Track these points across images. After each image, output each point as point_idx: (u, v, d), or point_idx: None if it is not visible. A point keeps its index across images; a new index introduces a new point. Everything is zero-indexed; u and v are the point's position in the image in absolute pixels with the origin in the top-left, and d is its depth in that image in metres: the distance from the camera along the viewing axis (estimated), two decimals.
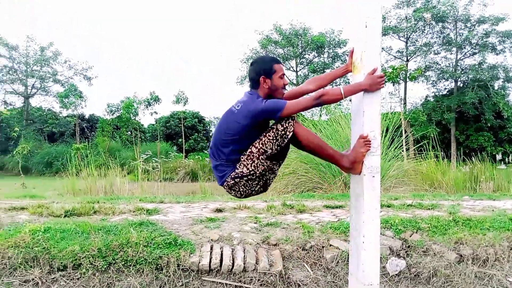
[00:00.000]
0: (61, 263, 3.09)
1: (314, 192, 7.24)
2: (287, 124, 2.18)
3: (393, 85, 22.18)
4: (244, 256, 3.25)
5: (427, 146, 9.91)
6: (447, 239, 3.42)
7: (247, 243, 3.45)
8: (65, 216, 4.19)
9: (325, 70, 26.34)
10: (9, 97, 28.54)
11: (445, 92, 26.55)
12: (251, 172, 2.23)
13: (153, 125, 29.35)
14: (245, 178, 2.25)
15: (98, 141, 24.03)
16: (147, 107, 23.18)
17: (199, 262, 3.15)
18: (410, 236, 3.56)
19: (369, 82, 2.20)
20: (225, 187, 2.36)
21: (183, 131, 25.41)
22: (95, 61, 53.35)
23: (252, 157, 2.21)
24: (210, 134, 30.48)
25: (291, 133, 2.17)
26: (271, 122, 2.33)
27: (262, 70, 2.32)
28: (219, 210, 4.64)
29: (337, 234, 3.65)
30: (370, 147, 2.25)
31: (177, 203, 5.39)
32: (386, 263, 3.30)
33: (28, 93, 28.29)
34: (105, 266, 3.08)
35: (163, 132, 27.65)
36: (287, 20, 26.47)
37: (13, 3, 42.78)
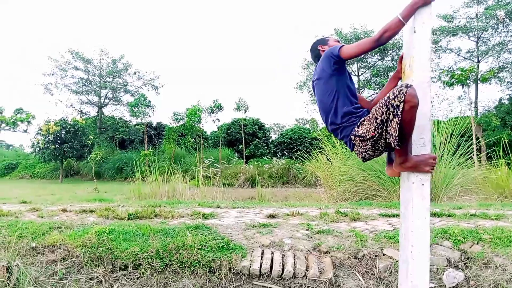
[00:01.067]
0: (123, 262, 3.33)
1: (373, 200, 7.07)
2: (397, 92, 2.06)
3: (462, 87, 21.00)
4: (294, 262, 3.27)
5: (501, 152, 9.25)
6: (511, 252, 3.20)
7: (297, 250, 3.47)
8: (128, 219, 4.48)
9: (388, 74, 25.54)
10: (84, 107, 30.95)
11: None
12: (363, 135, 2.29)
13: (216, 132, 30.15)
14: (359, 139, 2.32)
15: (164, 148, 25.14)
16: (210, 114, 23.92)
17: (250, 266, 3.23)
18: (470, 248, 3.38)
19: None
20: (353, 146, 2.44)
21: (243, 137, 25.86)
22: (162, 70, 56.04)
23: (367, 120, 2.28)
24: (270, 140, 30.70)
25: (402, 103, 2.02)
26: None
27: (317, 44, 2.80)
28: (272, 216, 4.70)
29: (391, 243, 3.56)
30: (433, 170, 2.23)
31: (232, 208, 5.53)
32: (443, 274, 3.16)
33: (102, 103, 30.36)
34: (162, 267, 3.26)
35: (225, 139, 28.30)
36: (348, 23, 25.98)
37: (87, 18, 46.15)
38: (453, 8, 23.96)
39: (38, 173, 25.42)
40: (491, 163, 9.34)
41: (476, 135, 18.92)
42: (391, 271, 3.27)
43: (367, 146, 2.30)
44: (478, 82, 23.38)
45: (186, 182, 10.94)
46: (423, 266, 2.19)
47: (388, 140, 2.16)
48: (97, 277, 3.26)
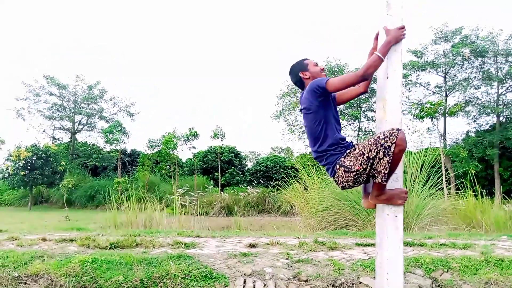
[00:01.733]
0: None
1: (348, 229, 7.27)
2: (389, 134, 2.32)
3: (431, 120, 21.91)
4: None
5: (469, 183, 9.71)
6: (478, 279, 3.43)
7: (278, 278, 3.60)
8: (110, 248, 4.50)
9: (360, 106, 26.43)
10: (57, 133, 30.45)
11: (487, 127, 25.77)
12: (348, 167, 2.47)
13: (191, 159, 30.09)
14: (343, 169, 2.50)
15: (138, 175, 24.88)
16: (186, 142, 23.96)
17: None
18: (441, 275, 3.59)
19: (393, 35, 2.50)
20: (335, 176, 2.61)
21: (219, 165, 25.93)
22: (137, 97, 55.80)
23: (353, 154, 2.47)
24: (246, 168, 30.83)
25: (393, 145, 2.28)
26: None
27: (298, 69, 2.86)
28: (252, 246, 4.81)
29: (367, 272, 3.73)
30: (404, 202, 2.46)
31: (212, 238, 5.61)
32: None
33: (75, 129, 29.97)
34: None
35: (201, 166, 28.27)
36: (323, 57, 26.87)
37: (62, 43, 45.93)
38: (422, 45, 25.29)
39: (6, 200, 24.61)
40: (459, 194, 9.77)
41: (445, 166, 19.66)
42: None
43: (349, 177, 2.50)
44: (446, 115, 24.48)
45: (162, 210, 10.91)
46: None
47: (375, 175, 2.38)
48: None
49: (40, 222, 12.68)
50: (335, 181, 2.63)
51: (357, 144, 2.52)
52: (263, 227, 11.00)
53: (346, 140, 2.67)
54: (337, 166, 2.55)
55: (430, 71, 25.69)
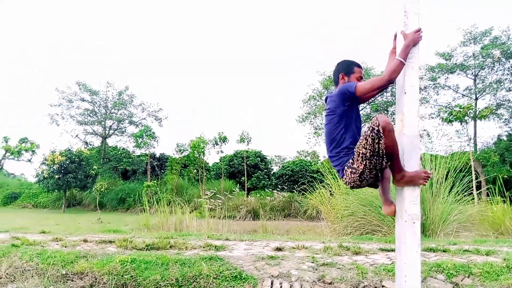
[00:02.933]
0: None
1: (373, 235, 7.37)
2: (371, 124, 2.55)
3: (461, 124, 21.55)
4: None
5: (499, 189, 9.61)
6: (498, 285, 3.53)
7: (304, 280, 3.80)
8: (146, 249, 4.82)
9: (387, 109, 26.21)
10: (89, 138, 31.57)
11: None
12: (355, 168, 2.68)
13: (218, 163, 30.54)
14: (350, 170, 2.72)
15: (167, 179, 25.46)
16: (214, 146, 24.45)
17: None
18: (462, 281, 3.71)
19: (411, 38, 2.68)
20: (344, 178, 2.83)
21: (245, 169, 26.26)
22: (166, 102, 56.87)
23: (355, 157, 2.67)
24: (272, 173, 31.02)
25: (380, 128, 2.48)
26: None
27: (343, 69, 2.97)
28: (279, 249, 5.03)
29: (389, 276, 3.88)
30: (426, 182, 2.63)
31: (241, 241, 5.86)
32: None
33: (106, 133, 30.97)
34: None
35: (227, 170, 28.66)
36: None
37: (62, 44, 47.16)
38: (450, 47, 24.90)
39: (41, 202, 25.62)
40: (488, 199, 9.68)
41: (475, 171, 19.28)
42: None
43: (355, 177, 2.71)
44: (476, 119, 23.98)
45: (191, 213, 11.26)
46: None
47: (384, 163, 2.58)
48: None
49: (74, 224, 13.27)
50: (344, 181, 2.84)
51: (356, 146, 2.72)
52: (289, 231, 11.18)
53: None
54: (346, 167, 2.76)
55: (459, 74, 25.23)
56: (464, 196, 8.39)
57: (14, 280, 3.74)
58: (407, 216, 2.62)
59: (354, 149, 2.70)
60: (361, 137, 2.62)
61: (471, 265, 4.03)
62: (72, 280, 3.79)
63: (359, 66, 3.00)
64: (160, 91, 51.59)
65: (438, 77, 25.39)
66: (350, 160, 2.73)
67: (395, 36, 2.90)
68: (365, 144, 2.56)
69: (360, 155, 2.61)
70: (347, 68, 2.98)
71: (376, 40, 26.59)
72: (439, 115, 24.68)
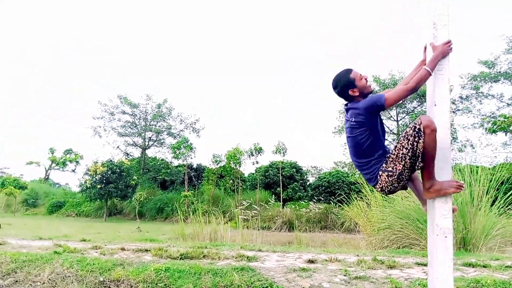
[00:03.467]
0: None
1: (411, 248, 7.17)
2: (413, 124, 2.55)
3: (505, 134, 20.64)
4: None
5: None
6: None
7: None
8: (180, 258, 4.94)
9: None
10: (129, 149, 32.65)
11: None
12: (391, 170, 2.66)
13: (253, 174, 30.67)
14: (386, 174, 2.69)
15: (204, 189, 25.85)
16: (249, 157, 24.65)
17: None
18: None
19: (440, 50, 2.66)
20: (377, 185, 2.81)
21: (281, 180, 26.22)
22: (202, 113, 57.88)
23: (391, 159, 2.66)
24: (308, 184, 30.77)
25: (421, 127, 2.47)
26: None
27: (346, 87, 2.87)
28: (311, 261, 5.00)
29: None
30: (459, 191, 2.59)
31: (273, 252, 5.87)
32: None
33: (146, 145, 31.89)
34: None
35: (262, 181, 28.70)
36: (387, 70, 26.42)
37: (62, 43, 48.30)
38: (493, 55, 23.98)
39: (84, 211, 26.65)
40: None
41: None
42: None
43: (393, 180, 2.67)
44: None
45: (226, 223, 11.38)
46: None
47: (418, 165, 2.55)
48: None
49: (115, 232, 13.72)
50: (379, 188, 2.78)
51: (393, 149, 2.68)
52: (325, 243, 11.06)
53: (387, 148, 2.83)
54: (380, 173, 2.72)
55: (503, 82, 24.21)
56: (509, 209, 8.01)
57: (55, 286, 3.93)
58: (439, 230, 2.56)
59: (392, 151, 2.66)
60: (401, 137, 2.61)
61: None
62: (109, 287, 3.94)
63: (350, 70, 2.89)
64: (160, 90, 52.03)
65: (481, 86, 24.47)
66: (384, 165, 2.70)
67: (425, 48, 2.86)
68: (407, 143, 2.54)
69: (400, 155, 2.58)
70: (347, 83, 2.86)
71: (376, 40, 26.04)
72: (482, 125, 23.73)
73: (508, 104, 24.68)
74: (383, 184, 2.73)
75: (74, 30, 50.33)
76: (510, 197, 8.00)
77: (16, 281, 4.22)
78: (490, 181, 7.77)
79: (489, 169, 8.23)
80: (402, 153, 2.57)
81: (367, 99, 2.80)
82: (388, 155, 2.70)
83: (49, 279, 4.06)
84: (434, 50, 2.69)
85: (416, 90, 2.62)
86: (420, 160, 2.54)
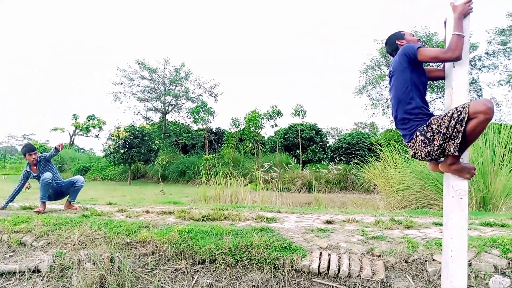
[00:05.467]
0: (201, 257, 3.93)
1: (430, 208, 7.21)
2: (461, 108, 2.50)
3: None
4: (349, 264, 3.69)
5: None
6: None
7: (352, 253, 3.88)
8: (202, 220, 5.13)
9: None
10: (150, 114, 33.04)
11: None
12: (429, 138, 2.66)
13: (273, 137, 30.80)
14: (422, 138, 2.70)
15: (224, 153, 26.20)
16: (268, 120, 24.65)
17: (310, 266, 3.70)
18: None
19: (460, 10, 2.60)
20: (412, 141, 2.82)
21: (300, 142, 26.28)
22: (221, 77, 57.74)
23: (431, 129, 2.65)
24: (327, 145, 30.77)
25: (467, 115, 2.44)
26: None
27: (395, 38, 3.07)
28: (329, 222, 5.12)
29: (441, 250, 3.84)
30: (471, 177, 2.61)
31: (292, 214, 6.01)
32: (489, 280, 3.42)
33: (166, 109, 32.17)
34: (234, 263, 3.83)
35: (282, 144, 28.84)
36: (409, 26, 25.51)
37: (94, 51, 48.41)
38: None
39: (109, 175, 27.48)
40: None
41: None
42: (440, 275, 3.58)
43: (425, 149, 2.68)
44: None
45: (246, 185, 11.61)
46: (461, 268, 2.55)
47: (448, 148, 2.54)
48: (180, 268, 3.90)
49: (139, 195, 14.18)
50: (410, 146, 2.79)
51: (436, 117, 2.64)
52: (344, 204, 11.19)
53: (429, 109, 2.81)
54: (418, 133, 2.71)
55: None
56: None
57: (85, 247, 4.17)
58: (454, 192, 2.59)
59: (433, 123, 2.63)
60: (444, 115, 2.56)
61: None
62: (136, 248, 4.16)
63: (403, 31, 3.09)
64: (216, 65, 52.09)
65: (509, 40, 23.40)
66: (424, 127, 2.67)
67: (445, 23, 2.79)
68: (448, 125, 2.51)
69: (439, 133, 2.56)
70: (398, 35, 3.06)
71: (376, 40, 25.16)
72: (509, 81, 22.92)
73: None
74: (416, 146, 2.73)
75: (74, 30, 50.42)
76: None
77: (49, 243, 4.49)
78: None
79: (505, 128, 8.02)
80: (443, 133, 2.54)
81: (404, 46, 2.84)
82: (430, 120, 2.67)
83: (79, 241, 4.30)
84: (454, 11, 2.61)
85: (457, 58, 2.56)
86: (459, 145, 2.50)
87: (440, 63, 2.86)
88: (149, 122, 32.00)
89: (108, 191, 16.89)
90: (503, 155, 7.34)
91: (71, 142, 39.43)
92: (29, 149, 6.26)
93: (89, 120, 38.84)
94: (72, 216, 5.31)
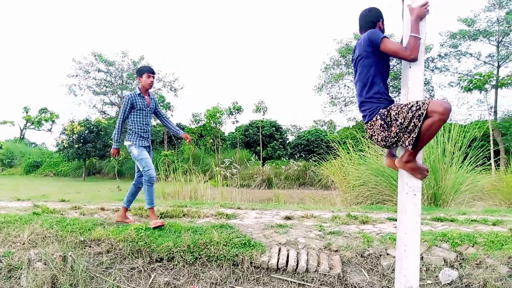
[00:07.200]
0: (159, 255, 3.86)
1: (384, 204, 7.45)
2: (421, 103, 2.51)
3: (480, 92, 21.02)
4: (307, 259, 3.75)
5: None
6: (502, 254, 3.60)
7: (310, 248, 3.94)
8: (160, 217, 5.02)
9: None
10: (106, 108, 31.94)
11: None
12: (388, 123, 2.67)
13: (233, 133, 30.72)
14: (381, 122, 2.71)
15: (184, 149, 25.84)
16: (229, 116, 24.55)
17: (269, 261, 3.72)
18: (466, 250, 3.79)
19: (417, 13, 2.65)
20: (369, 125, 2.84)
21: (260, 139, 26.40)
22: (181, 71, 56.94)
23: (392, 115, 2.66)
24: (287, 142, 31.09)
25: (425, 111, 2.47)
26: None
27: (381, 18, 3.01)
28: (288, 218, 5.17)
29: (395, 244, 3.97)
30: (423, 178, 2.69)
31: (252, 210, 6.02)
32: (439, 273, 3.58)
33: None
34: (193, 260, 3.78)
35: (242, 140, 28.82)
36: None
37: (110, 20, 47.04)
38: (473, 12, 23.97)
39: (62, 171, 26.39)
40: (500, 169, 9.59)
41: (494, 140, 18.96)
42: (393, 269, 3.70)
43: (381, 134, 2.72)
44: (498, 87, 23.31)
45: (206, 182, 11.51)
46: (414, 262, 2.64)
47: (404, 141, 2.59)
48: (137, 267, 3.80)
49: (95, 192, 13.73)
50: (368, 127, 2.83)
51: (397, 104, 2.69)
52: (302, 200, 11.36)
53: (390, 97, 2.85)
54: (378, 116, 2.74)
55: (481, 40, 24.36)
56: (479, 166, 8.33)
57: (36, 246, 3.97)
58: (408, 188, 2.68)
59: (392, 109, 2.66)
60: (405, 104, 2.60)
61: (477, 234, 4.09)
62: (90, 247, 4.01)
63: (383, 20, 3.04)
64: (176, 60, 51.48)
65: (460, 44, 24.59)
66: (385, 112, 2.71)
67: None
68: (406, 115, 2.54)
69: (397, 121, 2.60)
70: (380, 15, 3.01)
71: (335, 40, 26.15)
72: (459, 83, 24.09)
73: (485, 63, 25.00)
74: (373, 128, 2.77)
75: (162, 42, 48.16)
76: (480, 154, 8.32)
77: None
78: (464, 138, 8.02)
79: (464, 126, 8.43)
80: (400, 122, 2.57)
81: (369, 31, 2.83)
82: (391, 106, 2.71)
83: (29, 240, 4.09)
84: (411, 13, 2.67)
85: (414, 59, 2.61)
86: (414, 140, 2.54)
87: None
88: (106, 116, 30.96)
89: (61, 187, 16.24)
90: (453, 153, 7.70)
91: (22, 136, 37.53)
92: (149, 69, 4.80)
93: (41, 114, 37.04)
94: (22, 214, 5.04)
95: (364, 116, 2.88)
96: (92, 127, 22.42)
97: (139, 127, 4.69)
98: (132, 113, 4.67)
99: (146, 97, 4.81)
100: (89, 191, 14.26)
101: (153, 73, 4.80)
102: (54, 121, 37.16)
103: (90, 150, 21.83)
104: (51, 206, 5.86)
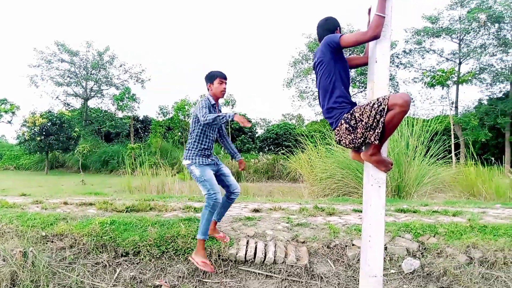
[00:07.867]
0: (124, 250, 3.78)
1: (350, 196, 7.61)
2: (382, 99, 2.57)
3: (442, 88, 21.77)
4: (275, 251, 3.77)
5: (476, 152, 9.90)
6: (461, 243, 3.75)
7: (278, 240, 3.97)
8: (126, 211, 4.93)
9: None
10: (70, 99, 30.89)
11: (500, 95, 25.48)
12: (353, 126, 2.70)
13: None
14: (346, 126, 2.74)
15: (151, 142, 25.41)
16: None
17: (237, 254, 3.72)
18: (427, 240, 3.92)
19: None
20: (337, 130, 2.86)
21: (230, 132, 26.33)
22: (149, 64, 55.87)
23: (355, 117, 2.69)
24: (256, 136, 31.19)
25: (386, 106, 2.53)
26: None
27: (338, 26, 3.10)
28: (256, 211, 5.19)
29: (360, 235, 4.07)
30: (387, 171, 2.75)
31: None
32: (402, 262, 3.70)
33: (87, 95, 30.31)
34: (159, 254, 3.73)
35: None
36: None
37: (73, 9, 45.42)
38: (437, 10, 24.73)
39: (23, 164, 25.45)
40: (460, 162, 10.00)
41: (455, 134, 19.70)
42: (359, 259, 3.79)
43: (349, 136, 2.75)
44: (459, 83, 24.20)
45: (174, 175, 11.38)
46: (379, 252, 2.71)
47: (369, 137, 2.63)
48: (102, 262, 3.71)
49: (57, 186, 13.30)
50: (335, 133, 2.87)
51: (359, 106, 2.73)
52: (271, 193, 11.44)
53: (352, 100, 2.90)
54: (342, 121, 2.78)
55: (444, 38, 25.19)
56: (440, 159, 8.63)
57: None
58: (373, 181, 2.73)
59: (356, 111, 2.69)
60: (367, 104, 2.64)
61: (438, 225, 4.25)
62: (52, 242, 3.88)
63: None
64: (144, 52, 50.43)
65: (424, 40, 25.33)
66: (349, 116, 2.74)
67: (369, 10, 2.89)
68: (369, 114, 2.58)
69: (361, 121, 2.63)
70: (337, 23, 3.08)
71: (304, 34, 26.65)
72: (422, 79, 24.85)
73: (447, 59, 25.88)
74: (340, 133, 2.80)
75: (59, 21, 45.66)
76: (442, 148, 8.62)
77: None
78: (426, 132, 8.28)
79: (427, 121, 8.72)
80: (365, 122, 2.61)
81: (326, 37, 2.88)
82: (354, 109, 2.74)
83: None
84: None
85: (375, 37, 2.65)
86: (379, 135, 2.58)
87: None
88: (69, 108, 29.96)
89: (22, 181, 15.65)
90: (416, 146, 7.94)
91: None
92: (222, 74, 4.02)
93: (0, 105, 35.45)
94: None
95: (331, 124, 2.92)
96: (55, 119, 21.66)
97: (204, 143, 3.99)
98: (197, 124, 3.95)
99: (217, 108, 4.08)
100: (51, 185, 13.80)
101: (226, 78, 4.02)
102: (15, 112, 35.60)
103: (52, 143, 21.11)
104: (11, 200, 5.63)
